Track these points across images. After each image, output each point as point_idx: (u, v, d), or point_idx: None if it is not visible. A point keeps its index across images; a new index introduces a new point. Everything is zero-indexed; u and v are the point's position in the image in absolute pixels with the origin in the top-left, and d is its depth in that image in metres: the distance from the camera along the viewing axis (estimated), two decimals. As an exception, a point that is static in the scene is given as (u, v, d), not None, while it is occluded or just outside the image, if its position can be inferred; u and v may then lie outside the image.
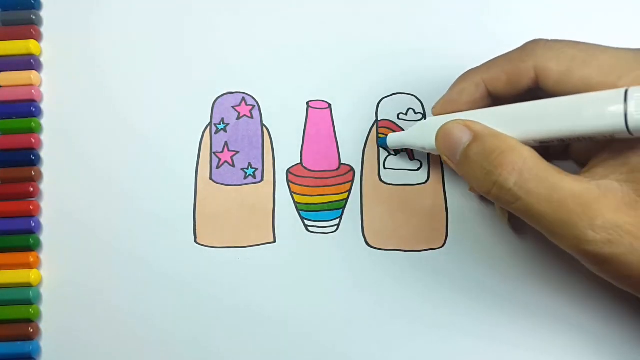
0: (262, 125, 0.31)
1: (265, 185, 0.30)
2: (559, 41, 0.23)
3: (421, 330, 0.29)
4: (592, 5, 0.31)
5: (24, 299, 0.29)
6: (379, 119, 0.30)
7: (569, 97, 0.22)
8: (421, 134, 0.27)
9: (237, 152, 0.30)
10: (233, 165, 0.30)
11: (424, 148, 0.27)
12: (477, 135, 0.23)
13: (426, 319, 0.29)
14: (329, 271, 0.29)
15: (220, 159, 0.30)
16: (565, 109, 0.21)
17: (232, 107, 0.31)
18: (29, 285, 0.29)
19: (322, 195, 0.30)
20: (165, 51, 0.31)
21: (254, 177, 0.30)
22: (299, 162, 0.30)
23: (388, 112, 0.30)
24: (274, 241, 0.29)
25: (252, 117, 0.31)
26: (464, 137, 0.24)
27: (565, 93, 0.22)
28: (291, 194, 0.30)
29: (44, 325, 0.29)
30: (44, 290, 0.29)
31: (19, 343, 0.29)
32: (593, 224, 0.21)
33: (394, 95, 0.31)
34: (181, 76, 0.31)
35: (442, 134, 0.25)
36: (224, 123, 0.31)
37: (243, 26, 0.31)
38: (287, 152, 0.30)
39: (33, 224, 0.29)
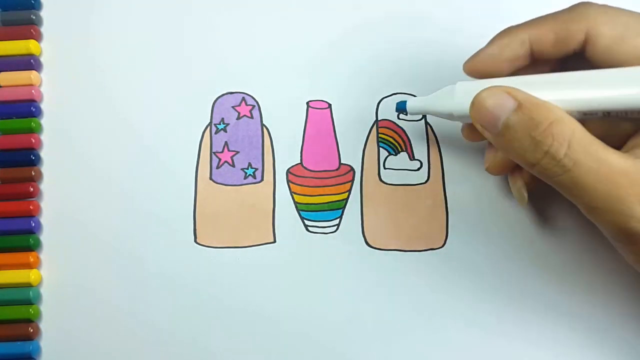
0: (262, 125, 0.31)
1: (265, 185, 0.30)
2: (612, 7, 0.23)
3: (421, 330, 0.29)
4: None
5: (24, 299, 0.29)
6: (379, 119, 0.30)
7: (621, 69, 0.21)
8: (449, 99, 0.24)
9: (237, 152, 0.30)
10: (233, 165, 0.30)
11: (451, 114, 0.25)
12: (522, 104, 0.22)
13: (426, 319, 0.29)
14: (329, 271, 0.29)
15: (220, 159, 0.30)
16: (617, 80, 0.21)
17: (232, 107, 0.31)
18: (29, 285, 0.29)
19: (322, 195, 0.30)
20: (165, 51, 0.31)
21: (254, 177, 0.30)
22: (299, 162, 0.30)
23: (388, 112, 0.30)
24: (274, 241, 0.29)
25: (252, 117, 0.31)
26: (507, 105, 0.22)
27: (614, 61, 0.22)
28: (291, 194, 0.30)
29: (44, 325, 0.29)
30: (44, 290, 0.29)
31: (19, 343, 0.29)
32: None
33: (394, 95, 0.31)
34: (181, 76, 0.31)
35: (480, 101, 0.23)
36: (224, 123, 0.31)
37: (243, 26, 0.31)
38: (287, 152, 0.30)
39: (33, 224, 0.29)
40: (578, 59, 0.23)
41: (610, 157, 0.21)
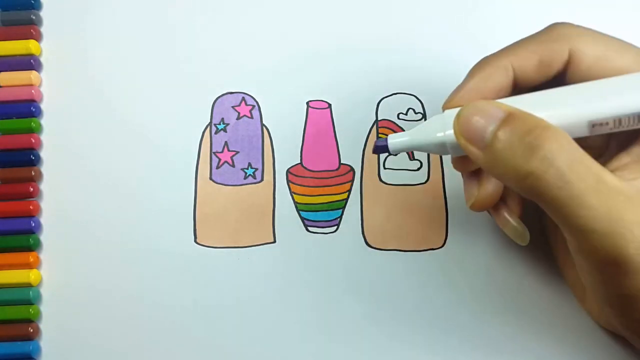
0: (262, 125, 0.31)
1: (265, 185, 0.30)
2: (587, 27, 0.22)
3: (421, 330, 0.29)
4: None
5: (24, 299, 0.29)
6: (379, 119, 0.30)
7: (609, 79, 0.21)
8: (439, 128, 0.22)
9: (237, 152, 0.30)
10: (233, 165, 0.30)
11: (443, 145, 0.22)
12: (512, 113, 0.20)
13: (426, 319, 0.29)
14: (329, 271, 0.29)
15: (220, 159, 0.30)
16: (610, 88, 0.20)
17: (232, 107, 0.31)
18: (29, 285, 0.29)
19: (322, 195, 0.30)
20: (165, 51, 0.31)
21: (254, 177, 0.30)
22: (299, 162, 0.30)
23: (388, 112, 0.30)
24: (274, 241, 0.29)
25: (252, 117, 0.31)
26: (495, 115, 0.20)
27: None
28: (291, 194, 0.30)
29: (44, 325, 0.29)
30: (44, 290, 0.29)
31: (19, 343, 0.29)
32: None
33: (394, 95, 0.31)
34: (181, 76, 0.31)
35: (466, 113, 0.21)
36: (224, 123, 0.31)
37: (243, 26, 0.31)
38: (287, 152, 0.30)
39: (33, 224, 0.29)
40: (558, 83, 0.22)
41: (606, 175, 0.19)
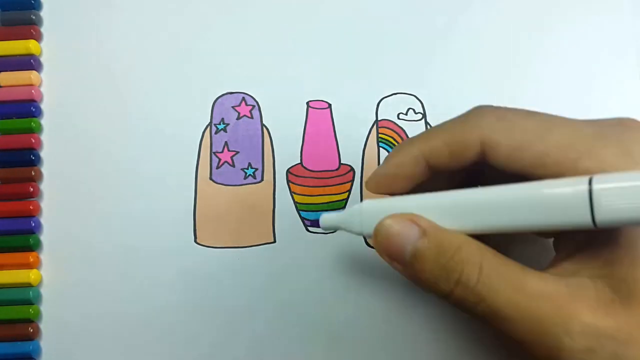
0: (262, 125, 0.31)
1: (265, 185, 0.30)
2: (510, 110, 0.21)
3: (421, 329, 0.29)
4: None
5: (24, 299, 0.29)
6: (379, 119, 0.30)
7: (522, 185, 0.19)
8: (359, 220, 0.23)
9: (237, 152, 0.30)
10: (233, 165, 0.30)
11: (361, 233, 0.23)
12: (426, 230, 0.20)
13: (426, 319, 0.29)
14: (329, 271, 0.29)
15: (220, 159, 0.30)
16: (520, 198, 0.19)
17: (232, 107, 0.31)
18: (29, 285, 0.29)
19: (322, 195, 0.30)
20: (165, 51, 0.31)
21: (254, 177, 0.30)
22: (299, 162, 0.30)
23: (388, 112, 0.30)
24: (274, 241, 0.29)
25: (252, 117, 0.31)
26: (412, 234, 0.20)
27: (517, 169, 0.20)
28: (291, 194, 0.30)
29: (44, 325, 0.29)
30: (44, 290, 0.29)
31: (19, 343, 0.29)
32: (569, 330, 0.18)
33: (394, 95, 0.31)
34: (181, 76, 0.31)
35: (384, 232, 0.21)
36: (224, 123, 0.31)
37: (243, 26, 0.31)
38: (287, 152, 0.30)
39: (33, 224, 0.29)
40: (485, 165, 0.21)
41: (529, 281, 0.19)
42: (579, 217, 0.17)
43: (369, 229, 0.22)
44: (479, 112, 0.21)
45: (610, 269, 0.19)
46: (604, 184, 0.17)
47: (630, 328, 0.18)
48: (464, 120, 0.21)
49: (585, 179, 0.17)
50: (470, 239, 0.20)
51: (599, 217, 0.17)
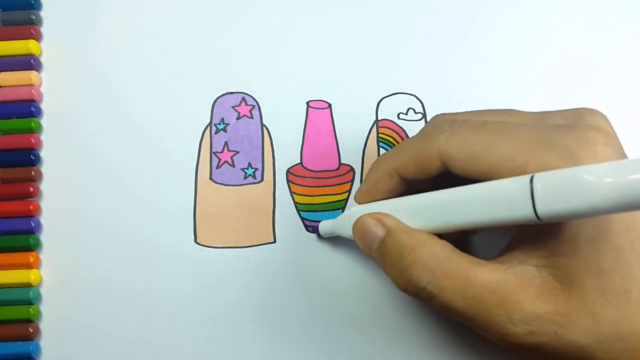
0: (262, 125, 0.31)
1: (265, 185, 0.30)
2: (464, 122, 0.23)
3: (421, 329, 0.29)
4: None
5: (24, 299, 0.29)
6: (379, 119, 0.30)
7: (473, 186, 0.21)
8: (348, 224, 0.26)
9: (237, 152, 0.30)
10: (233, 165, 0.30)
11: (351, 237, 0.26)
12: (389, 231, 0.23)
13: (427, 319, 0.29)
14: (329, 271, 0.29)
15: (220, 159, 0.30)
16: (472, 198, 0.20)
17: (232, 107, 0.31)
18: (29, 285, 0.29)
19: (322, 195, 0.30)
20: (165, 51, 0.31)
21: (254, 177, 0.30)
22: (299, 162, 0.30)
23: (388, 112, 0.30)
24: (274, 241, 0.29)
25: (252, 117, 0.31)
26: (379, 232, 0.23)
27: (474, 177, 0.21)
28: (291, 194, 0.30)
29: (44, 325, 0.29)
30: (44, 290, 0.29)
31: (19, 343, 0.29)
32: (512, 318, 0.20)
33: (394, 95, 0.31)
34: (181, 76, 0.31)
35: (358, 228, 0.24)
36: (224, 123, 0.31)
37: (243, 26, 0.31)
38: (287, 152, 0.30)
39: (33, 224, 0.29)
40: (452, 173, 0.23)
41: (478, 274, 0.21)
42: (523, 211, 0.19)
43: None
44: (436, 125, 0.23)
45: (553, 259, 0.21)
46: (542, 181, 0.18)
47: (570, 311, 0.20)
48: (424, 136, 0.23)
49: (527, 177, 0.19)
50: (430, 239, 0.22)
51: (540, 211, 0.18)
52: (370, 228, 0.24)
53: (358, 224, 0.24)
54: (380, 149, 0.30)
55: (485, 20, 0.31)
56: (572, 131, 0.21)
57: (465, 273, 0.21)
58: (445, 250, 0.22)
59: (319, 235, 0.29)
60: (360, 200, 0.26)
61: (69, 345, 0.29)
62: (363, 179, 0.27)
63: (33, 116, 0.30)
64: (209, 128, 0.30)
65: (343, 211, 0.30)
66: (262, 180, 0.30)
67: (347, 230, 0.26)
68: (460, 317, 0.22)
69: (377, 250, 0.24)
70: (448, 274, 0.21)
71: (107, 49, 0.31)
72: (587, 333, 0.20)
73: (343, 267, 0.29)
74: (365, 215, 0.24)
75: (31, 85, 0.31)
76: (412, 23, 0.31)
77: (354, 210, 0.26)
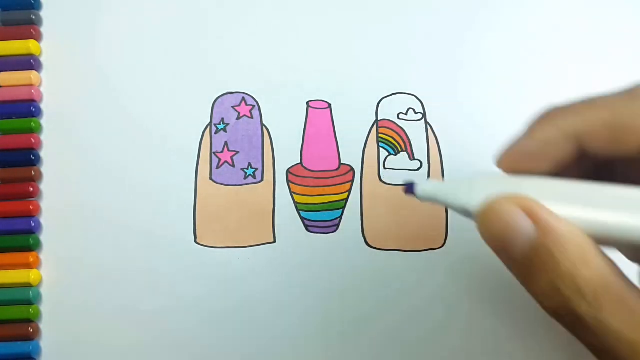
0: (262, 125, 0.31)
1: (265, 185, 0.30)
2: None
3: (421, 330, 0.29)
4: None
5: (24, 299, 0.29)
6: (379, 119, 0.30)
7: None
8: (466, 195, 0.18)
9: (237, 152, 0.30)
10: (233, 165, 0.30)
11: (465, 208, 0.19)
12: (546, 233, 0.16)
13: (426, 319, 0.29)
14: (329, 271, 0.29)
15: (220, 159, 0.30)
16: None
17: (232, 107, 0.31)
18: (29, 285, 0.29)
19: (322, 195, 0.30)
20: (165, 51, 0.31)
21: (254, 177, 0.30)
22: (299, 162, 0.30)
23: (388, 112, 0.30)
24: (274, 241, 0.29)
25: (252, 117, 0.31)
26: (523, 230, 0.17)
27: None
28: (291, 194, 0.30)
29: (44, 325, 0.29)
30: (44, 290, 0.29)
31: (19, 343, 0.29)
32: None
33: (394, 95, 0.31)
34: (181, 76, 0.31)
35: (487, 219, 0.17)
36: (224, 123, 0.31)
37: (243, 26, 0.31)
38: (287, 152, 0.30)
39: (33, 224, 0.29)
40: None
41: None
42: None
43: (477, 203, 0.18)
44: None
45: None
46: None
47: None
48: (629, 96, 0.17)
49: None
50: (597, 256, 0.16)
51: None
52: (513, 221, 0.17)
53: (491, 210, 0.17)
54: (380, 149, 0.30)
55: (485, 20, 0.31)
56: None
57: (633, 303, 0.16)
58: (613, 273, 0.16)
59: (410, 194, 0.20)
60: (508, 164, 0.19)
61: (69, 345, 0.29)
62: (522, 134, 0.19)
63: (33, 116, 0.30)
64: (209, 128, 0.30)
65: (343, 211, 0.30)
66: (262, 180, 0.30)
67: (461, 201, 0.19)
68: (619, 351, 0.16)
69: (521, 254, 0.17)
70: (615, 302, 0.16)
71: (107, 49, 0.31)
72: None
73: (343, 267, 0.29)
74: (505, 198, 0.17)
75: (31, 85, 0.31)
76: (412, 23, 0.31)
77: (482, 182, 0.18)
